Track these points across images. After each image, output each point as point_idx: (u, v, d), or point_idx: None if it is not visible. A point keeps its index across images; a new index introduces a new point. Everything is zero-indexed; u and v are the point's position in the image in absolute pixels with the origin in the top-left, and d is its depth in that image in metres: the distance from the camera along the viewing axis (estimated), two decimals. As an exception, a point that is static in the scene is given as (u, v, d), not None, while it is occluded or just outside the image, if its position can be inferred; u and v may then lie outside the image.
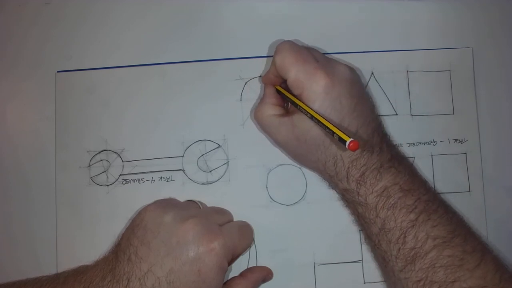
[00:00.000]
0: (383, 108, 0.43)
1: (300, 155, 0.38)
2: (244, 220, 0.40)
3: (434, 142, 0.43)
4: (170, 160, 0.42)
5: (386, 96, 0.43)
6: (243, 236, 0.37)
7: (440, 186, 0.43)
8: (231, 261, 0.36)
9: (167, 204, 0.36)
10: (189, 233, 0.33)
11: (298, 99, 0.35)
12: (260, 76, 0.43)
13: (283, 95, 0.38)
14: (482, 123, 0.43)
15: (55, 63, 0.43)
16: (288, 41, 0.37)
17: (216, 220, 0.36)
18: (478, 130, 0.43)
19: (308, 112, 0.34)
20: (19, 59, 0.43)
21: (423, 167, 0.43)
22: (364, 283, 0.41)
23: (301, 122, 0.35)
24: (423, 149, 0.43)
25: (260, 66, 0.43)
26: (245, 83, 0.43)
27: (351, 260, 0.42)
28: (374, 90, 0.43)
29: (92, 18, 0.44)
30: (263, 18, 0.44)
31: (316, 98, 0.34)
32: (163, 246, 0.33)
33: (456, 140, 0.43)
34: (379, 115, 0.40)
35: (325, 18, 0.44)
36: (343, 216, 0.41)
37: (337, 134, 0.32)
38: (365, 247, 0.41)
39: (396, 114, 0.43)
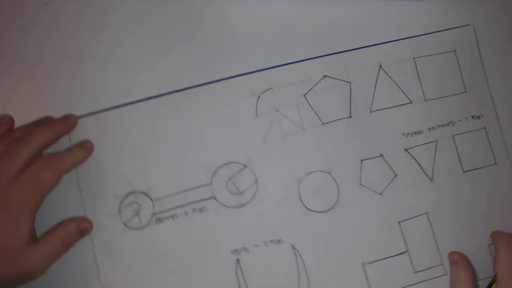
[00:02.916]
0: (396, 98, 0.43)
1: None
2: (281, 232, 0.40)
3: (452, 122, 0.44)
4: (199, 190, 0.41)
5: (398, 86, 0.44)
6: (43, 175, 0.36)
7: (467, 164, 0.43)
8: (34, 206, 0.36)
9: None
10: None
11: None
12: (271, 88, 0.42)
13: None
14: (496, 96, 0.44)
15: (55, 63, 0.43)
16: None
17: (11, 170, 0.35)
18: (493, 103, 0.44)
19: None
20: (19, 59, 0.43)
21: (447, 149, 0.43)
22: (415, 272, 0.41)
23: None
24: (443, 132, 0.43)
25: (269, 77, 0.43)
26: (258, 98, 0.43)
27: (397, 253, 0.42)
28: (385, 82, 0.43)
29: (92, 18, 0.43)
30: (263, 18, 0.44)
31: None
32: None
33: (473, 116, 0.44)
34: None
35: (325, 18, 0.44)
36: (379, 211, 0.42)
37: None
38: (408, 237, 0.42)
39: (411, 102, 0.43)
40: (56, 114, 0.42)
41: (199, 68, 0.43)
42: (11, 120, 0.40)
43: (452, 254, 0.41)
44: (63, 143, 0.41)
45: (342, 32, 0.44)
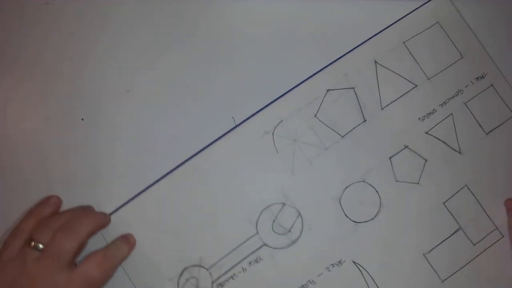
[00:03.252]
0: (401, 87, 0.43)
1: None
2: (339, 253, 0.40)
3: (460, 91, 0.44)
4: (249, 242, 0.41)
5: (399, 74, 0.43)
6: (95, 275, 0.36)
7: (487, 125, 0.44)
8: None
9: (6, 268, 0.34)
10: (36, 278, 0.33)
11: None
12: (281, 120, 0.42)
13: None
14: (491, 50, 0.44)
15: (55, 63, 0.43)
16: None
17: (61, 263, 0.34)
18: (491, 59, 0.44)
19: None
20: (19, 59, 0.43)
21: (464, 118, 0.43)
22: (474, 245, 0.42)
23: None
24: (454, 103, 0.44)
25: (276, 111, 0.42)
26: (273, 134, 0.42)
27: (452, 232, 0.42)
28: (385, 75, 0.43)
29: (92, 18, 0.43)
30: (263, 18, 0.44)
31: None
32: None
33: (477, 78, 0.44)
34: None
35: (325, 18, 0.44)
36: (422, 200, 0.42)
37: None
38: (456, 214, 0.42)
39: (416, 86, 0.44)
40: (56, 114, 0.42)
41: (199, 68, 0.43)
42: (59, 202, 0.39)
43: (508, 201, 0.42)
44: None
45: (338, 32, 0.44)
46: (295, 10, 0.44)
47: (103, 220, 0.39)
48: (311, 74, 0.43)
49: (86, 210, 0.40)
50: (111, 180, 0.42)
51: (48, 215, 0.38)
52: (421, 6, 0.44)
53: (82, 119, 0.43)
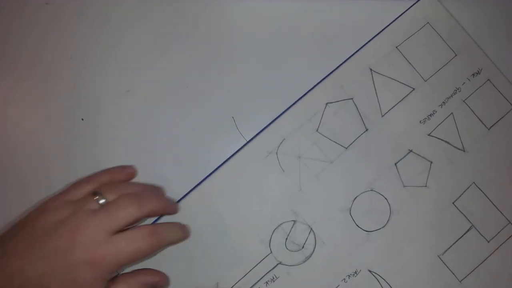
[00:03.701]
0: (399, 92, 0.44)
1: None
2: (354, 263, 0.40)
3: (458, 89, 0.44)
4: (264, 262, 0.41)
5: (395, 80, 0.44)
6: (140, 245, 0.33)
7: (488, 121, 0.44)
8: (118, 268, 0.34)
9: (65, 206, 0.34)
10: (71, 240, 0.31)
11: None
12: (284, 139, 0.42)
13: None
14: (484, 45, 0.44)
15: (55, 63, 0.43)
16: None
17: (112, 224, 0.33)
18: (485, 53, 0.44)
19: None
20: (19, 59, 0.43)
21: (464, 115, 0.44)
22: (488, 241, 0.42)
23: None
24: (453, 102, 0.44)
25: (277, 130, 0.42)
26: (276, 154, 0.42)
27: (464, 231, 0.42)
28: (382, 82, 0.43)
29: (92, 18, 0.44)
30: (263, 18, 0.44)
31: None
32: (42, 249, 0.31)
33: (473, 74, 0.44)
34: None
35: (325, 18, 0.44)
36: (432, 202, 0.42)
37: None
38: (467, 213, 0.42)
39: (413, 89, 0.44)
40: (56, 114, 0.42)
41: (199, 68, 0.43)
42: (133, 173, 0.39)
43: None
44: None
45: (338, 32, 0.44)
46: (295, 10, 0.44)
47: (170, 207, 0.39)
48: (309, 88, 0.43)
49: (159, 190, 0.39)
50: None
51: (122, 180, 0.38)
52: (410, 7, 0.44)
53: (82, 119, 0.43)
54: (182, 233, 0.38)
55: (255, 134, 0.42)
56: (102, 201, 0.34)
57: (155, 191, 0.38)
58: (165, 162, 0.42)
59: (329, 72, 0.43)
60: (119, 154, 0.42)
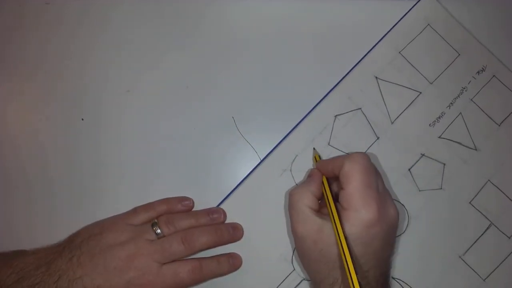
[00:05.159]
0: (406, 97, 0.44)
1: (306, 256, 0.36)
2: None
3: (464, 88, 0.44)
4: (288, 280, 0.41)
5: (401, 85, 0.44)
6: (183, 278, 0.37)
7: (498, 117, 0.44)
8: None
9: (126, 229, 0.38)
10: (128, 263, 0.36)
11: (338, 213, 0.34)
12: (297, 155, 0.42)
13: (325, 194, 0.37)
14: (487, 42, 0.44)
15: (55, 63, 0.43)
16: (366, 155, 0.35)
17: (163, 258, 0.37)
18: (488, 50, 0.44)
19: (338, 234, 0.33)
20: (19, 59, 0.43)
21: (473, 114, 0.44)
22: (509, 238, 0.42)
23: (330, 233, 0.34)
24: (461, 101, 0.44)
25: (289, 148, 0.42)
26: (291, 171, 0.42)
27: (484, 230, 0.42)
28: (388, 89, 0.43)
29: (92, 18, 0.44)
30: (263, 18, 0.44)
31: (358, 224, 0.33)
32: (102, 265, 0.35)
33: (478, 72, 0.44)
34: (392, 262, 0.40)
35: (325, 18, 0.44)
36: (448, 203, 0.42)
37: (351, 274, 0.32)
38: (485, 211, 0.42)
39: (420, 93, 0.44)
40: (56, 114, 0.43)
41: (199, 68, 0.43)
42: (190, 207, 0.41)
43: None
44: None
45: (338, 32, 0.44)
46: (295, 10, 0.44)
47: (223, 240, 0.40)
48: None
49: (213, 225, 0.40)
50: (112, 180, 0.42)
51: (179, 211, 0.40)
52: (410, 9, 0.44)
53: (82, 119, 0.43)
54: (228, 267, 0.40)
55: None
56: (158, 231, 0.38)
57: (208, 228, 0.39)
58: (165, 162, 0.42)
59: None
60: (119, 154, 0.42)
